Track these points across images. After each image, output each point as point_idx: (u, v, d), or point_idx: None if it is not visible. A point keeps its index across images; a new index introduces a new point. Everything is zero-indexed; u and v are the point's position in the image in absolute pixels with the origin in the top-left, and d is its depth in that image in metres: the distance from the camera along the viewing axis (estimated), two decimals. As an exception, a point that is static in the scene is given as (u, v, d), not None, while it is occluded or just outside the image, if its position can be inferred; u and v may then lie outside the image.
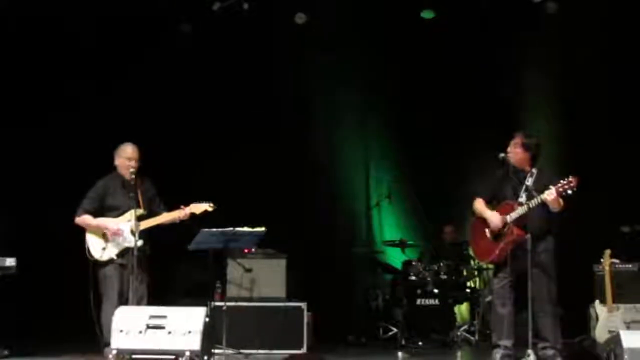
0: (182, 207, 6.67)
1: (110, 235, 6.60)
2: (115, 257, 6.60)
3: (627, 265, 7.95)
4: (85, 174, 7.03)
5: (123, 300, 6.47)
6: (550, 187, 6.18)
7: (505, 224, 6.43)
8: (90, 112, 9.13)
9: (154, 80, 9.17)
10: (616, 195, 8.68)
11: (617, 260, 7.82)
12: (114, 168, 6.85)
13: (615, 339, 5.86)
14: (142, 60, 9.20)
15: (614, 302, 7.40)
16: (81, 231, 6.73)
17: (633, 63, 8.87)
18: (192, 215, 6.67)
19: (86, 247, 6.65)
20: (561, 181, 6.14)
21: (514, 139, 6.61)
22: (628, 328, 7.29)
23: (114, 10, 8.73)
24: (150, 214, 6.72)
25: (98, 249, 6.62)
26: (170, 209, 6.77)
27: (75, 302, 6.93)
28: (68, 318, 8.04)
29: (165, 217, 6.71)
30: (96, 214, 6.70)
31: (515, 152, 6.56)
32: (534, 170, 6.53)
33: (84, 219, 6.69)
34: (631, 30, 8.81)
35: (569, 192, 6.11)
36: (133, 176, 6.64)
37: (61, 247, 7.82)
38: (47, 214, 8.41)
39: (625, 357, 5.58)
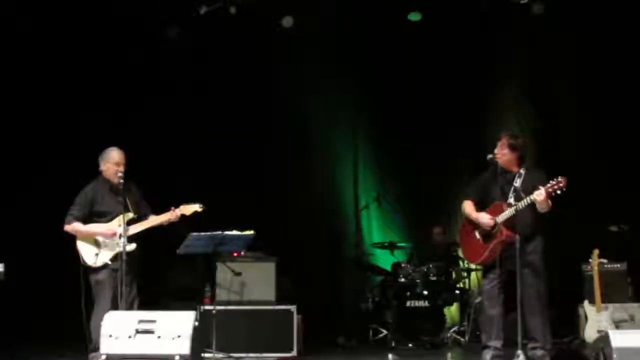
0: (172, 208, 6.65)
1: (107, 238, 6.55)
2: (109, 262, 6.55)
3: (615, 265, 7.99)
4: (77, 175, 6.98)
5: (116, 305, 6.42)
6: (540, 187, 6.19)
7: (494, 224, 6.44)
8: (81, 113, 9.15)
9: (145, 81, 9.18)
10: (604, 195, 8.70)
11: (605, 260, 7.86)
12: (98, 173, 6.78)
13: (604, 339, 5.87)
14: (131, 61, 9.20)
15: (602, 301, 7.43)
16: (71, 238, 6.67)
17: (617, 61, 8.90)
18: (183, 216, 6.65)
19: (79, 254, 6.59)
20: (551, 182, 6.16)
21: (500, 140, 6.62)
22: (617, 327, 7.32)
23: (109, 11, 8.74)
24: (139, 217, 6.69)
25: (91, 255, 6.57)
26: (159, 211, 6.74)
27: (62, 306, 6.90)
28: (55, 323, 8.03)
29: (156, 220, 6.69)
30: (85, 220, 6.66)
31: (502, 153, 6.56)
32: (522, 171, 6.54)
33: (75, 227, 6.62)
34: (614, 29, 8.85)
35: (559, 192, 6.12)
36: (122, 181, 6.59)
37: (50, 252, 7.81)
38: (33, 215, 8.40)
39: (614, 356, 5.58)
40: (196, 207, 6.62)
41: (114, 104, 9.19)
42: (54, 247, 7.11)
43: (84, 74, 9.14)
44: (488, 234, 6.50)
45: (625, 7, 8.64)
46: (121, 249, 6.44)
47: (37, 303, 8.51)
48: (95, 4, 8.73)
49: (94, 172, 6.78)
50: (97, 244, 6.59)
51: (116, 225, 6.57)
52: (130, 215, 6.58)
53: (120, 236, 6.46)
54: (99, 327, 6.06)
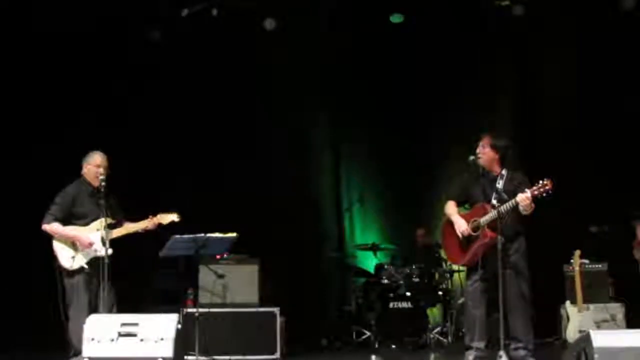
0: (150, 216, 6.62)
1: (82, 248, 6.52)
2: (86, 266, 6.51)
3: (596, 265, 8.05)
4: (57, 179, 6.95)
5: (91, 309, 6.39)
6: (526, 190, 6.17)
7: (477, 226, 6.43)
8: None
9: (128, 88, 9.15)
10: (585, 196, 8.75)
11: (586, 261, 7.92)
12: (79, 175, 6.74)
13: (585, 339, 5.90)
14: (118, 69, 9.17)
15: (584, 301, 7.47)
16: (48, 238, 6.61)
17: (599, 64, 8.97)
18: (160, 225, 6.61)
19: (55, 255, 6.54)
20: (536, 184, 6.10)
21: (481, 140, 6.63)
22: (598, 327, 7.37)
23: (94, 15, 8.73)
24: (116, 223, 6.66)
25: (67, 257, 6.53)
26: (138, 217, 6.70)
27: (39, 311, 6.84)
28: (34, 327, 7.97)
29: (134, 227, 6.64)
30: (64, 221, 6.61)
31: (484, 153, 6.55)
32: (504, 173, 6.53)
33: (54, 227, 6.57)
34: (598, 29, 8.91)
35: (544, 195, 6.09)
36: (104, 184, 6.54)
37: (28, 255, 7.75)
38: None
39: (596, 356, 5.61)
40: (174, 217, 6.60)
41: (100, 104, 9.16)
42: (34, 246, 7.06)
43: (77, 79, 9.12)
44: (471, 235, 6.50)
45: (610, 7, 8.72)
46: (97, 253, 6.41)
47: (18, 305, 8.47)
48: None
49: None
50: (74, 246, 6.55)
51: (94, 230, 6.53)
52: (109, 219, 6.54)
53: (102, 240, 6.42)
54: (78, 331, 6.03)
